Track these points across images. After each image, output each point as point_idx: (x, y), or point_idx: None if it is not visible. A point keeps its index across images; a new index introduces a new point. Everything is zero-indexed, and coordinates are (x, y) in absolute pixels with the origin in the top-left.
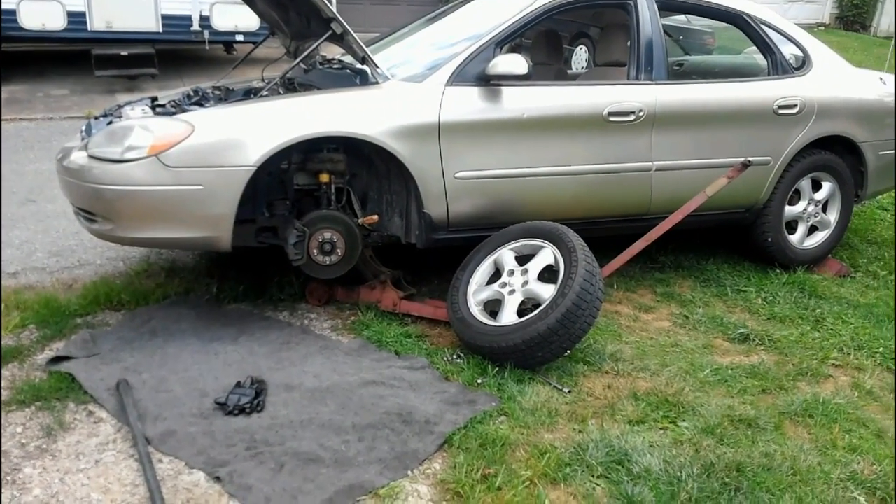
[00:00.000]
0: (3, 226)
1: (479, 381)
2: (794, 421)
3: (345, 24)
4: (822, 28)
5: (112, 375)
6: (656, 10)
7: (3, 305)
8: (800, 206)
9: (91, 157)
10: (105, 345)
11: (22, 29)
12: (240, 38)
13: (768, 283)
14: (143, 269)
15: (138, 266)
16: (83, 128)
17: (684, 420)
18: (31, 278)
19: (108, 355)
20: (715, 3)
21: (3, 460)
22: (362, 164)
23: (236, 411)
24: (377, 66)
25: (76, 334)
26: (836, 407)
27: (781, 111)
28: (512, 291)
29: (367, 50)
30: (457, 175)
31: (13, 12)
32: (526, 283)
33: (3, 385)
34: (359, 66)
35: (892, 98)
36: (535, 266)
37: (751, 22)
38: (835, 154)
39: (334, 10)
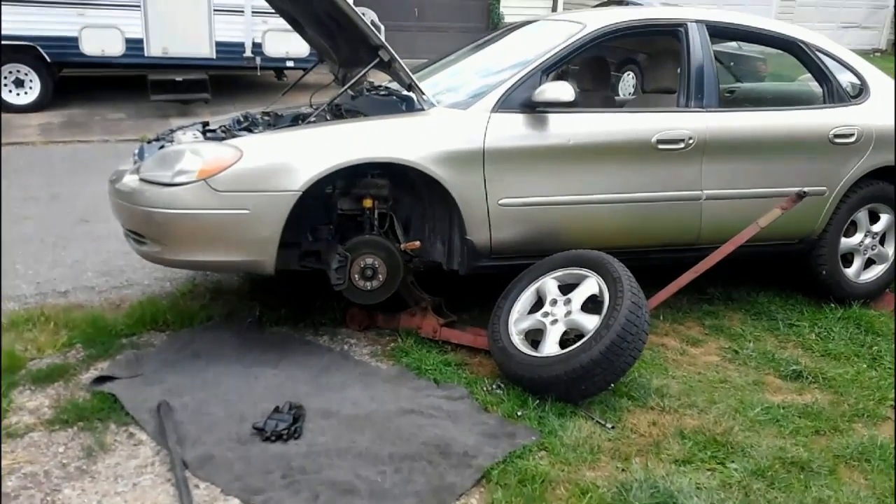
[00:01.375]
0: (58, 245)
1: (519, 414)
2: (850, 465)
3: (392, 51)
4: (879, 54)
5: (154, 397)
6: (707, 36)
7: (52, 324)
8: (856, 239)
9: (142, 180)
10: (148, 366)
11: (82, 55)
12: (290, 64)
13: (822, 318)
14: (189, 290)
15: (184, 287)
16: (136, 151)
17: (733, 461)
18: (80, 297)
19: (151, 376)
20: (769, 29)
21: (43, 480)
22: (405, 189)
23: (273, 437)
24: (423, 93)
25: (121, 354)
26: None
27: (837, 140)
28: (554, 321)
29: (414, 77)
30: (500, 202)
31: (75, 39)
32: (569, 312)
33: (48, 404)
34: (405, 92)
35: None
36: (579, 296)
37: (806, 49)
38: (894, 185)
39: (382, 37)
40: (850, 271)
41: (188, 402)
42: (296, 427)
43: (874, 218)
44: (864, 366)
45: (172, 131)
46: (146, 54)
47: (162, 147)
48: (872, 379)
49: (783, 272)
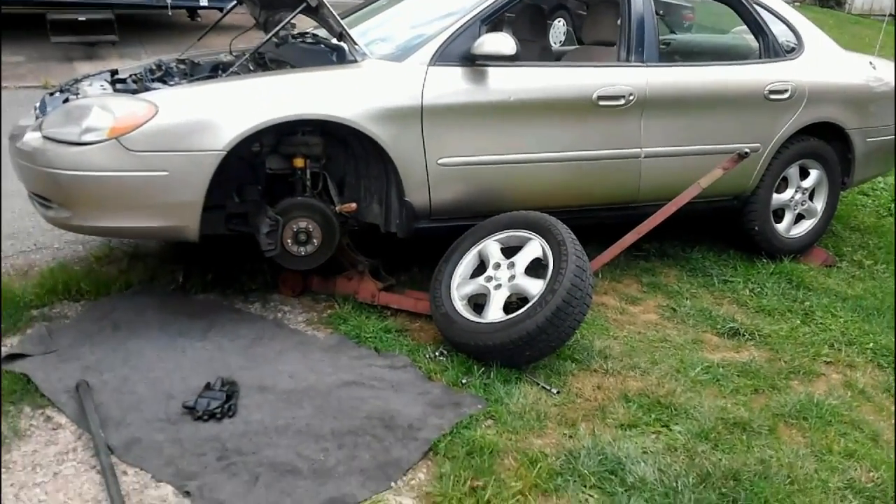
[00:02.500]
0: None
1: (463, 381)
2: (789, 423)
3: None
4: (798, 4)
5: (71, 375)
6: None
7: None
8: (787, 194)
9: (46, 138)
10: (63, 340)
11: None
12: (204, 2)
13: (755, 274)
14: (105, 255)
15: (99, 251)
16: (37, 105)
17: (677, 423)
18: None
19: (67, 352)
20: None
21: None
22: (339, 147)
23: (206, 416)
24: (355, 43)
25: (32, 328)
26: (830, 408)
27: (772, 96)
28: (498, 286)
29: (345, 24)
30: (440, 161)
31: None
32: (513, 277)
33: None
34: (335, 41)
35: (882, 83)
36: (522, 259)
37: (744, 1)
38: (823, 141)
39: None
40: (780, 227)
41: (109, 379)
42: (230, 404)
43: (804, 174)
44: (798, 321)
45: (77, 81)
46: None
47: (66, 100)
48: (806, 335)
49: (715, 227)
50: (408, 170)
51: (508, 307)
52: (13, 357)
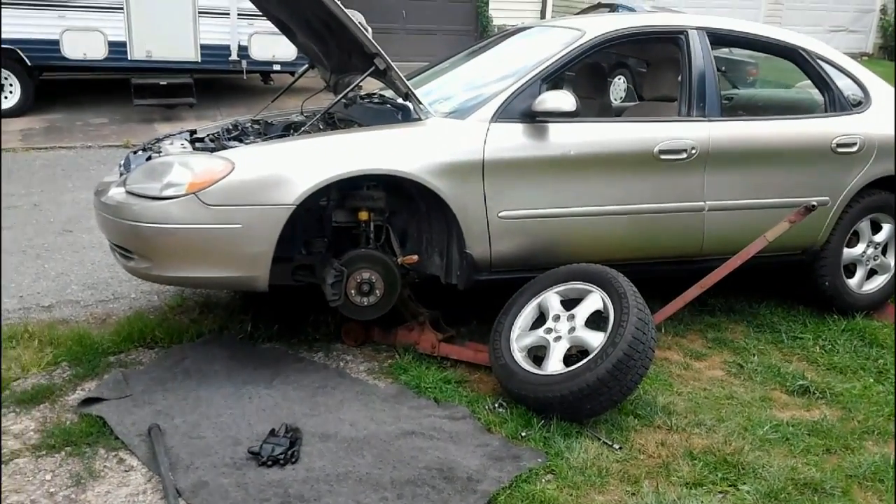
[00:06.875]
0: (40, 257)
1: (523, 434)
2: (863, 486)
3: (388, 59)
4: (866, 58)
5: (144, 419)
6: (708, 43)
7: (36, 341)
8: (858, 249)
9: (129, 193)
10: (137, 386)
11: (64, 58)
12: (277, 67)
13: (826, 330)
14: (178, 304)
15: (172, 301)
16: (121, 162)
17: (745, 483)
18: (65, 312)
19: (141, 397)
20: (769, 36)
21: None
22: (402, 201)
23: (270, 462)
24: (420, 102)
25: (109, 374)
26: None
27: (840, 150)
28: (558, 338)
29: (410, 85)
30: (500, 214)
31: (56, 42)
32: (573, 329)
33: (34, 427)
34: (401, 101)
35: None
36: (583, 311)
37: (807, 57)
38: (895, 194)
39: (377, 44)
40: (852, 282)
41: (180, 424)
42: (293, 451)
43: (876, 228)
44: (871, 380)
45: (159, 140)
46: (129, 57)
47: (149, 158)
48: (880, 394)
49: (784, 282)
50: (469, 223)
51: (568, 360)
52: (90, 401)
